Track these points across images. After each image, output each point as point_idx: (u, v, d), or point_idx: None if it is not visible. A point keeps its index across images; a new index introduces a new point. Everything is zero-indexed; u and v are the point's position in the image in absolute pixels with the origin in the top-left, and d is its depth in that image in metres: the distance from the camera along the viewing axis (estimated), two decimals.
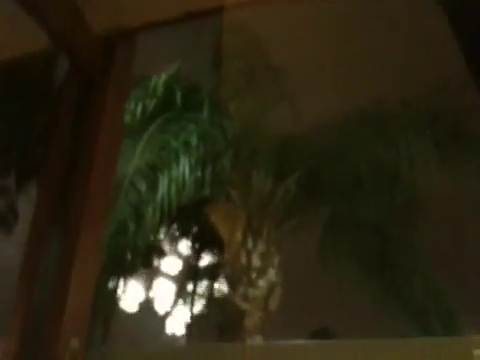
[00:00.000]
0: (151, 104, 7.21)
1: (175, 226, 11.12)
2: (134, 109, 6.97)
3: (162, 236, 9.63)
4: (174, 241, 12.59)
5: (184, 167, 7.29)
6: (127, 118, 6.64)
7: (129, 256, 7.19)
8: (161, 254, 12.51)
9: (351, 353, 1.48)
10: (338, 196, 7.94)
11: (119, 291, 8.70)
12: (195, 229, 12.28)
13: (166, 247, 12.56)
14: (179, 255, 14.22)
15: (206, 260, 14.05)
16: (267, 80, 7.98)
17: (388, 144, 7.43)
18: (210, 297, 14.70)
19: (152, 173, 7.18)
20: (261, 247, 8.16)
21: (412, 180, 7.52)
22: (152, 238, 7.44)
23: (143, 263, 9.66)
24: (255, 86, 7.98)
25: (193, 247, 13.76)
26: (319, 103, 7.62)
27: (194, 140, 7.43)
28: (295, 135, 8.08)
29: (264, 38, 7.71)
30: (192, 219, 10.67)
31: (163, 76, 7.41)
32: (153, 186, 7.15)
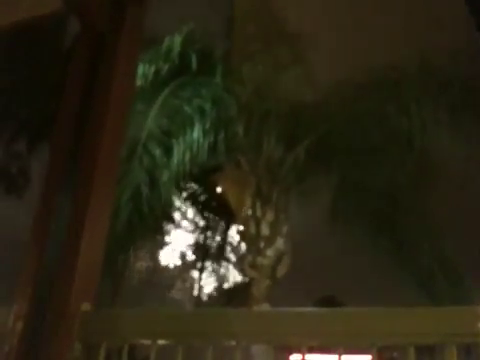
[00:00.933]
0: (164, 67, 7.13)
1: (185, 194, 11.17)
2: (147, 71, 6.89)
3: (172, 203, 9.66)
4: (184, 209, 12.67)
5: (198, 133, 7.24)
6: (141, 81, 6.58)
7: (144, 221, 7.21)
8: (172, 221, 12.61)
9: (357, 321, 1.49)
10: (349, 162, 7.91)
11: (130, 256, 8.79)
12: (205, 197, 12.34)
13: (176, 215, 12.65)
14: (189, 223, 14.32)
15: (215, 228, 14.14)
16: (281, 45, 7.87)
17: (400, 110, 7.35)
18: (218, 265, 14.83)
19: (166, 138, 7.15)
20: (270, 216, 8.18)
21: (423, 146, 7.46)
22: (166, 205, 7.44)
23: (154, 229, 9.73)
24: (268, 51, 7.88)
25: (202, 215, 13.83)
26: (332, 69, 7.53)
27: (208, 106, 7.37)
28: (307, 101, 8.01)
29: (279, 2, 7.59)
30: (203, 187, 10.70)
31: (178, 37, 7.30)
32: (167, 152, 7.12)
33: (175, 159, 7.06)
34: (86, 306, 1.72)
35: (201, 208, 13.18)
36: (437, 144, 7.54)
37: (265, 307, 7.74)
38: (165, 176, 7.00)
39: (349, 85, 7.90)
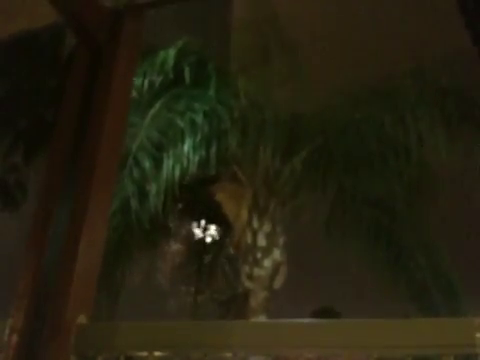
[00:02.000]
0: (158, 79, 7.16)
1: (181, 205, 11.14)
2: (141, 84, 6.93)
3: (167, 215, 9.65)
4: (179, 220, 12.64)
5: (189, 147, 7.27)
6: (134, 93, 6.61)
7: (133, 234, 7.22)
8: (166, 233, 12.56)
9: (355, 332, 1.48)
10: (346, 174, 7.92)
11: (124, 268, 8.76)
12: (201, 208, 12.30)
13: (171, 226, 12.60)
14: (184, 234, 14.27)
15: (211, 239, 14.11)
16: (280, 56, 7.91)
17: (397, 120, 7.38)
18: (215, 276, 14.78)
19: (157, 152, 7.17)
20: (267, 227, 8.18)
21: (421, 158, 7.48)
22: (156, 217, 7.45)
23: (148, 242, 9.70)
24: (266, 62, 7.91)
25: (198, 226, 13.80)
26: (328, 80, 7.57)
27: (200, 119, 7.40)
28: (303, 112, 8.03)
29: (278, 13, 7.63)
30: (198, 198, 10.68)
31: (171, 51, 7.34)
32: (157, 165, 7.15)
33: (164, 172, 7.09)
34: (82, 319, 1.71)
35: (197, 219, 13.15)
36: (434, 156, 7.55)
37: (262, 318, 7.71)
38: (154, 189, 7.03)
39: (345, 95, 7.93)
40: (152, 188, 7.03)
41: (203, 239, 14.03)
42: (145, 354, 1.62)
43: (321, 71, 7.79)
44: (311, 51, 7.82)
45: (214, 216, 11.02)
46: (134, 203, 6.84)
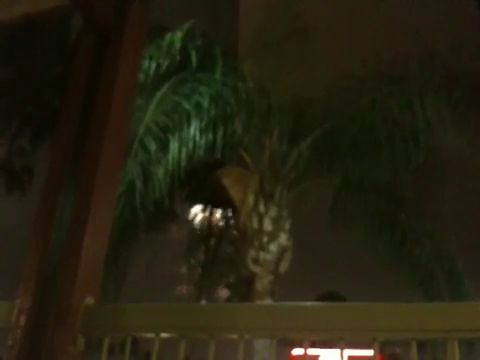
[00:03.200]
0: (165, 63, 7.14)
1: (187, 189, 11.16)
2: (147, 67, 6.90)
3: (173, 199, 9.68)
4: (186, 204, 12.66)
5: (195, 130, 7.27)
6: (140, 76, 6.59)
7: (138, 217, 7.24)
8: (173, 217, 12.59)
9: (359, 316, 1.49)
10: (352, 159, 7.91)
11: (130, 251, 8.81)
12: (207, 193, 12.30)
13: (178, 210, 12.62)
14: (191, 218, 14.32)
15: (218, 223, 14.15)
16: (290, 39, 7.85)
17: (405, 105, 7.34)
18: (221, 260, 14.85)
19: (163, 134, 7.17)
20: (273, 211, 8.19)
21: (428, 143, 7.45)
22: (162, 200, 7.46)
23: (154, 225, 9.74)
24: (275, 45, 7.86)
25: (205, 210, 13.83)
26: (336, 64, 7.52)
27: (206, 102, 7.38)
28: (310, 97, 8.00)
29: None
30: (204, 183, 10.69)
31: (178, 34, 7.31)
32: (163, 147, 7.15)
33: (170, 155, 7.10)
34: (89, 300, 1.73)
35: (203, 204, 13.17)
36: (441, 142, 7.52)
37: (268, 302, 7.76)
38: (160, 172, 7.04)
39: (353, 80, 7.89)
40: (158, 171, 7.04)
41: (209, 223, 14.07)
42: (152, 335, 1.64)
43: (329, 55, 7.74)
44: (319, 35, 7.76)
45: (220, 201, 11.04)
46: (139, 185, 6.86)
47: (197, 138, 7.28)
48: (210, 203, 12.92)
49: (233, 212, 10.18)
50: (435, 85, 7.27)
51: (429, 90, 7.26)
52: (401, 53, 7.46)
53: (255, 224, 8.18)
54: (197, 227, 14.33)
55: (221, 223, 13.95)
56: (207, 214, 13.93)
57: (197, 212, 13.91)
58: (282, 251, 8.15)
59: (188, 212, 13.90)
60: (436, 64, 7.42)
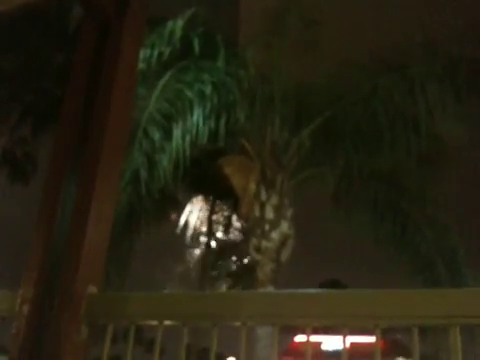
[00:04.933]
0: (166, 51, 7.11)
1: (189, 179, 11.19)
2: (149, 55, 6.88)
3: (177, 187, 9.71)
4: (188, 193, 12.68)
5: (198, 117, 7.26)
6: (143, 65, 6.57)
7: (142, 205, 7.26)
8: (176, 205, 12.63)
9: (361, 302, 1.49)
10: (354, 147, 7.90)
11: (133, 240, 8.85)
12: (209, 182, 12.33)
13: (181, 198, 12.66)
14: (193, 206, 14.35)
15: (220, 211, 14.17)
16: (293, 26, 7.81)
17: (407, 91, 7.31)
18: (223, 248, 14.88)
19: (166, 122, 7.17)
20: (274, 199, 8.19)
21: (429, 130, 7.43)
22: (166, 188, 7.48)
23: (157, 214, 9.77)
24: (277, 32, 7.82)
25: (207, 199, 13.85)
26: (337, 51, 7.49)
27: (208, 90, 7.36)
28: (312, 84, 7.97)
29: None
30: (206, 172, 10.71)
31: (179, 21, 7.28)
32: (167, 135, 7.15)
33: (174, 143, 7.09)
34: (92, 289, 1.74)
35: (206, 192, 13.20)
36: (443, 130, 7.50)
37: (270, 290, 7.79)
38: (164, 160, 7.04)
39: (355, 67, 7.86)
40: (162, 159, 7.04)
41: (212, 212, 14.08)
42: (155, 323, 1.65)
43: (330, 43, 7.70)
44: (321, 22, 7.72)
45: (222, 190, 11.06)
46: (143, 174, 6.87)
47: (200, 126, 7.27)
48: (212, 192, 12.94)
49: (235, 201, 10.20)
50: (437, 72, 7.24)
51: (431, 77, 7.23)
52: (403, 40, 7.42)
53: (257, 212, 8.20)
54: (200, 215, 14.36)
55: (224, 212, 13.98)
56: (209, 203, 13.95)
57: (199, 202, 13.93)
58: (284, 239, 8.17)
59: (190, 201, 13.93)
60: (438, 51, 7.38)
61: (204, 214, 14.43)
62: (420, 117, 7.27)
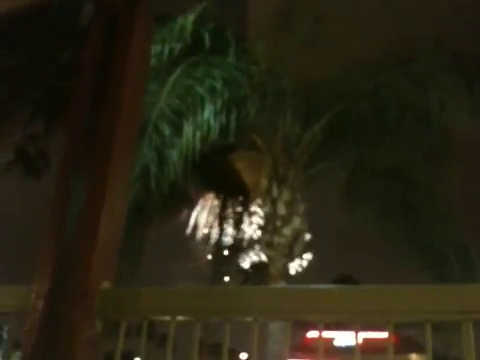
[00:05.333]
0: (177, 46, 7.10)
1: (200, 175, 11.19)
2: (160, 52, 6.88)
3: (187, 183, 9.73)
4: (200, 188, 12.69)
5: (209, 113, 7.25)
6: (153, 61, 6.57)
7: (153, 200, 7.27)
8: (187, 201, 12.64)
9: (374, 298, 1.49)
10: (365, 141, 7.87)
11: (145, 235, 8.88)
12: (220, 177, 12.33)
13: (192, 194, 12.66)
14: (205, 202, 14.36)
15: (232, 207, 14.17)
16: (302, 21, 7.78)
17: (416, 85, 7.26)
18: (235, 244, 14.90)
19: (177, 118, 7.17)
20: (286, 195, 8.19)
21: (440, 124, 7.37)
22: (176, 183, 7.49)
23: (170, 208, 9.79)
24: (287, 28, 7.79)
25: (218, 194, 13.86)
26: (348, 45, 7.44)
27: (219, 85, 7.35)
28: (323, 79, 7.93)
29: None
30: (217, 167, 10.72)
31: (190, 16, 7.26)
32: (177, 131, 7.15)
33: (184, 139, 7.10)
34: (105, 284, 1.75)
35: (217, 188, 13.20)
36: (453, 123, 7.44)
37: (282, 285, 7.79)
38: (174, 155, 7.04)
39: (365, 61, 7.81)
40: (172, 154, 7.05)
41: (223, 208, 14.09)
42: (168, 318, 1.65)
43: (341, 36, 7.66)
44: (331, 16, 7.68)
45: (233, 186, 11.06)
46: (153, 169, 6.88)
47: (211, 121, 7.27)
48: (223, 188, 12.94)
49: (246, 196, 10.20)
50: (448, 64, 7.18)
51: (442, 69, 7.18)
52: (414, 32, 7.37)
53: (269, 208, 8.19)
54: (211, 211, 14.37)
55: (236, 208, 13.98)
56: (220, 198, 13.95)
57: (210, 197, 13.94)
58: (296, 234, 8.16)
59: (202, 197, 13.94)
60: (449, 43, 7.32)
61: (215, 210, 14.45)
62: (430, 111, 7.22)
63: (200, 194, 13.67)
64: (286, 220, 8.11)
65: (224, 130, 7.49)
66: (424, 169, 8.48)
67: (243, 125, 7.78)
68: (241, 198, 12.56)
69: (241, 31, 8.06)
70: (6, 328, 2.00)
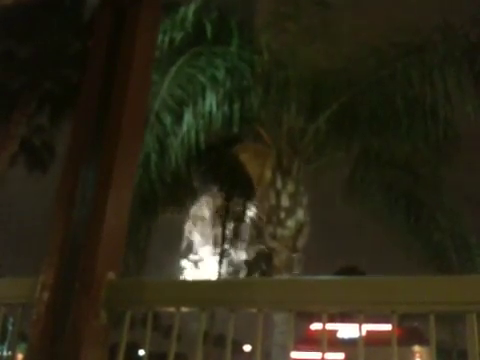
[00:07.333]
0: (179, 36, 7.08)
1: (205, 166, 11.20)
2: (162, 41, 6.86)
3: (191, 174, 9.73)
4: (204, 180, 12.70)
5: (211, 103, 7.23)
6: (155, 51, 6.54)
7: (154, 188, 7.26)
8: (191, 193, 12.67)
9: (378, 289, 1.49)
10: (370, 132, 7.84)
11: (150, 225, 8.90)
12: (224, 169, 12.35)
13: (196, 186, 12.69)
14: (209, 194, 14.37)
15: (236, 199, 14.17)
16: (309, 11, 7.73)
17: (424, 77, 7.20)
18: (239, 235, 14.91)
19: (178, 107, 7.16)
20: (290, 187, 8.18)
21: (447, 117, 7.34)
22: (179, 174, 7.48)
23: (173, 200, 9.80)
24: (293, 17, 7.75)
25: (222, 187, 13.86)
26: (354, 36, 7.40)
27: (221, 75, 7.32)
28: (328, 69, 7.88)
29: None
30: (221, 159, 10.72)
31: (192, 6, 7.23)
32: (179, 120, 7.14)
33: (185, 127, 7.08)
34: (111, 275, 1.75)
35: (221, 180, 13.21)
36: (460, 117, 7.40)
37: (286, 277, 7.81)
38: (176, 143, 7.04)
39: (371, 51, 7.77)
40: (173, 143, 7.04)
41: (227, 200, 14.09)
42: (172, 309, 1.66)
43: (347, 26, 7.61)
44: (337, 6, 7.63)
45: (237, 177, 11.05)
46: (155, 158, 6.88)
47: (214, 111, 7.25)
48: (227, 179, 12.94)
49: (250, 188, 10.20)
50: (456, 56, 7.13)
51: (450, 61, 7.13)
52: (422, 23, 7.32)
53: (273, 200, 8.19)
54: (216, 202, 14.39)
55: (239, 199, 13.98)
56: (225, 190, 13.95)
57: (215, 189, 13.95)
58: (300, 226, 8.17)
59: (206, 188, 13.95)
60: (457, 35, 7.26)
61: (220, 201, 14.47)
62: (438, 102, 7.18)
63: (205, 185, 13.67)
64: (290, 212, 8.11)
65: (228, 121, 7.47)
66: (429, 162, 8.46)
67: (247, 117, 7.76)
68: (246, 189, 12.57)
69: (246, 20, 8.02)
70: (11, 320, 2.01)
